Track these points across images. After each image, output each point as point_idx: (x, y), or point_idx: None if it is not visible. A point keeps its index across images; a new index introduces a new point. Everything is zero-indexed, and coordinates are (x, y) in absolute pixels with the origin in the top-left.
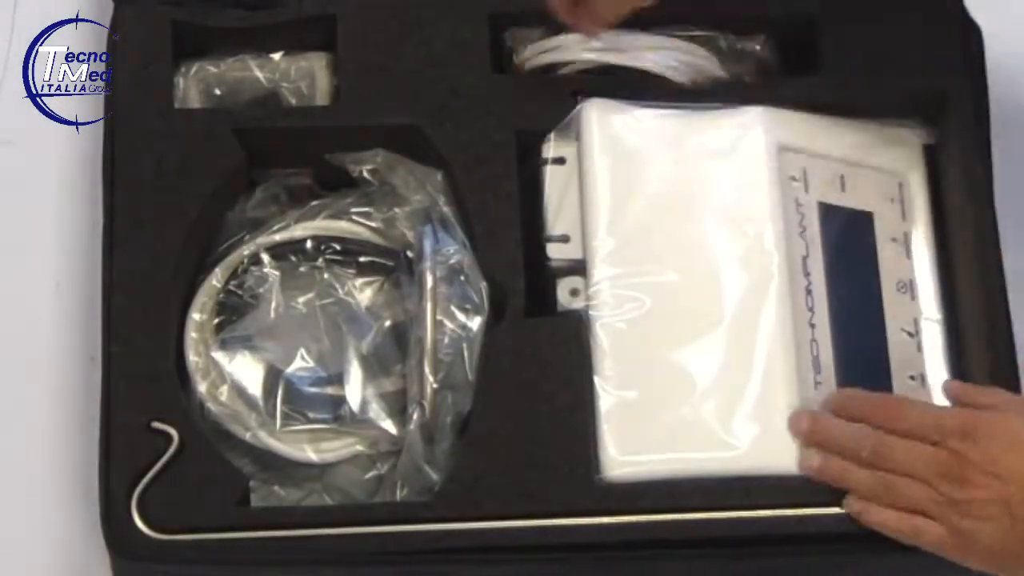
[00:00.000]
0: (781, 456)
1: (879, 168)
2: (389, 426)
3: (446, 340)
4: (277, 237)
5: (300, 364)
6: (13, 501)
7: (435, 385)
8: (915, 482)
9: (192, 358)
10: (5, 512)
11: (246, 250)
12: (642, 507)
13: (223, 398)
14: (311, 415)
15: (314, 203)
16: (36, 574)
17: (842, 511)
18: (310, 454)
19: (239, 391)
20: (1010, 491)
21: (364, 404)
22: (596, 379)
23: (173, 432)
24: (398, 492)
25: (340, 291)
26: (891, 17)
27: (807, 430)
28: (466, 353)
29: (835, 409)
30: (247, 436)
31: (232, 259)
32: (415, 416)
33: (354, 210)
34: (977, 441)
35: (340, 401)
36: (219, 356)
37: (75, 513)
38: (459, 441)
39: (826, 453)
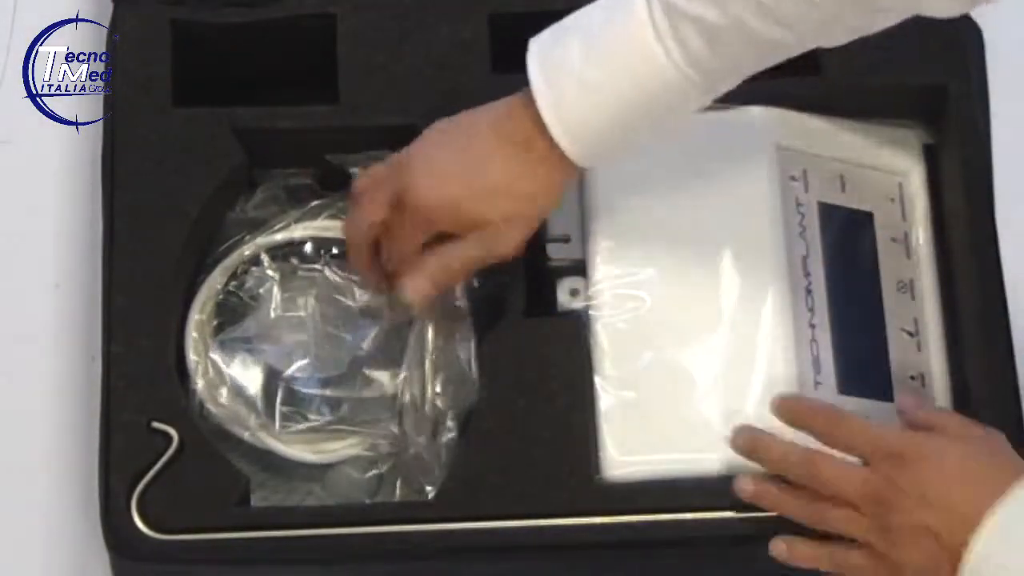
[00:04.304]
0: None
1: (879, 168)
2: (389, 426)
3: (445, 340)
4: (277, 237)
5: (299, 365)
6: (13, 501)
7: (435, 385)
8: (842, 506)
9: (192, 358)
10: (5, 512)
11: (247, 250)
12: (642, 507)
13: (223, 399)
14: (310, 416)
15: (314, 203)
16: (36, 574)
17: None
18: (310, 455)
19: (239, 391)
20: (939, 518)
21: (364, 404)
22: (596, 379)
23: (173, 432)
24: (398, 492)
25: (339, 292)
26: None
27: (744, 447)
28: (465, 353)
29: (779, 412)
30: (246, 436)
31: (232, 260)
32: (415, 416)
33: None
34: (907, 465)
35: (339, 402)
36: (218, 356)
37: (75, 513)
38: (459, 441)
39: (760, 479)
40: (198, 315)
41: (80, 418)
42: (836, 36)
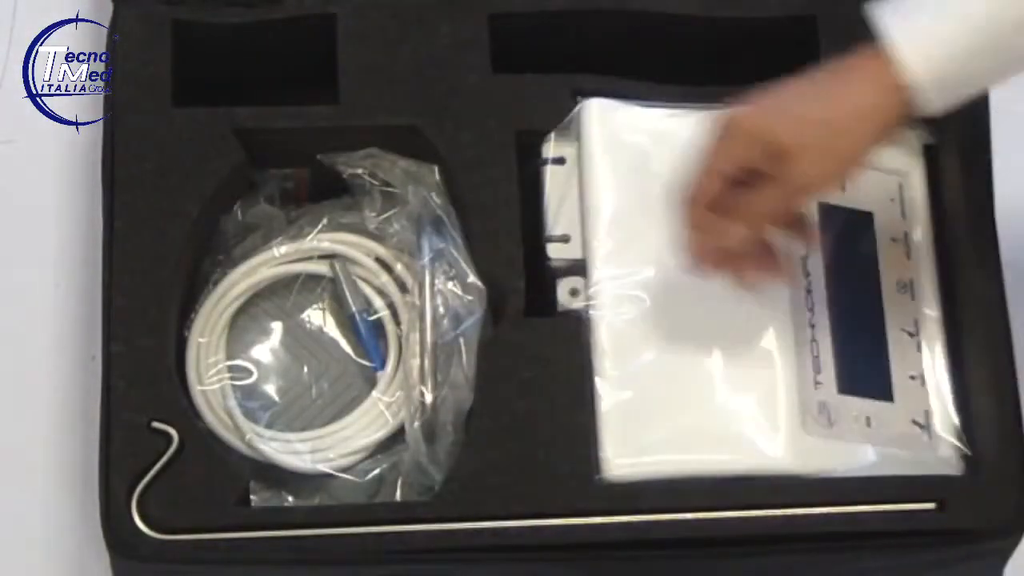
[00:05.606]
0: (781, 456)
1: (879, 168)
2: (388, 432)
3: (445, 339)
4: (268, 272)
5: (296, 371)
6: (13, 501)
7: (435, 386)
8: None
9: (192, 376)
10: (5, 512)
11: (241, 286)
12: (642, 507)
13: (220, 412)
14: (308, 423)
15: (304, 219)
16: (36, 574)
17: (841, 511)
18: (309, 463)
19: (236, 408)
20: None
21: (364, 411)
22: (596, 379)
23: (173, 432)
24: (398, 492)
25: (338, 295)
26: None
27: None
28: (464, 352)
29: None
30: (244, 449)
31: (228, 298)
32: (415, 416)
33: (343, 220)
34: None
35: (337, 408)
36: (218, 365)
37: (75, 513)
38: (459, 441)
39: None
40: (200, 338)
41: (80, 418)
42: None
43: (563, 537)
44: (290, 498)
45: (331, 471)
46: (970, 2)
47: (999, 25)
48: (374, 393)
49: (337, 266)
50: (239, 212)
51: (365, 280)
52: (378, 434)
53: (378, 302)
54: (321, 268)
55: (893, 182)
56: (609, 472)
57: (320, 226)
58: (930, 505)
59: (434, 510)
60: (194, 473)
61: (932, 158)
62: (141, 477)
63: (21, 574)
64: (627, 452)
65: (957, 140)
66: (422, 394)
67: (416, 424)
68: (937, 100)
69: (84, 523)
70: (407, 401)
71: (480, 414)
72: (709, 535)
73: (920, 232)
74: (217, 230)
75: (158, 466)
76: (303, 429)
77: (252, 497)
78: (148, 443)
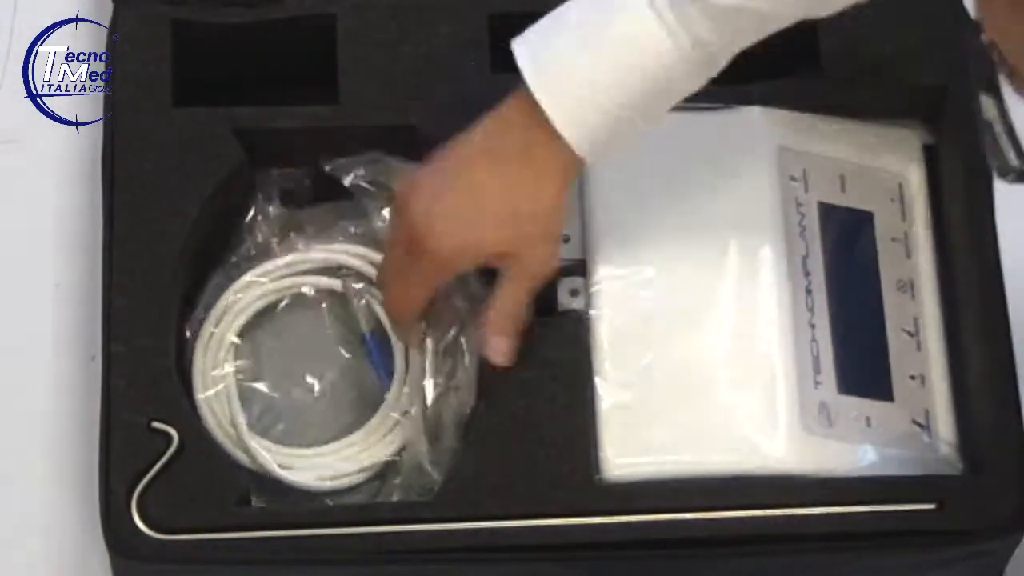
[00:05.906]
0: (781, 456)
1: (879, 168)
2: (394, 451)
3: (448, 340)
4: (272, 286)
5: (302, 385)
6: (13, 501)
7: (437, 387)
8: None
9: (199, 396)
10: (5, 512)
11: (243, 304)
12: (642, 507)
13: (225, 421)
14: (314, 439)
15: (311, 227)
16: (36, 574)
17: (841, 511)
18: (315, 482)
19: (242, 426)
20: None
21: (371, 428)
22: (596, 379)
23: (173, 432)
24: (398, 492)
25: (346, 309)
26: (891, 17)
27: None
28: (467, 354)
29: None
30: (247, 462)
31: (231, 314)
32: (416, 417)
33: (343, 223)
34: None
35: (343, 424)
36: (223, 378)
37: (75, 513)
38: (460, 441)
39: None
40: (204, 350)
41: (80, 418)
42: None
43: (563, 537)
44: (290, 496)
45: (336, 489)
46: (617, 77)
47: (642, 97)
48: (382, 410)
49: (346, 284)
50: (241, 213)
51: (372, 294)
52: (384, 453)
53: (384, 317)
54: (332, 284)
55: (893, 182)
56: (609, 472)
57: (327, 235)
58: (930, 505)
59: (434, 510)
60: (194, 473)
61: (932, 158)
62: (141, 477)
63: (21, 574)
64: (627, 452)
65: (957, 140)
66: (424, 395)
67: (417, 425)
68: (599, 161)
69: (84, 523)
70: (409, 402)
71: (480, 414)
72: (709, 535)
73: (920, 232)
74: (220, 231)
75: (158, 466)
76: (309, 445)
77: (252, 497)
78: (148, 443)
